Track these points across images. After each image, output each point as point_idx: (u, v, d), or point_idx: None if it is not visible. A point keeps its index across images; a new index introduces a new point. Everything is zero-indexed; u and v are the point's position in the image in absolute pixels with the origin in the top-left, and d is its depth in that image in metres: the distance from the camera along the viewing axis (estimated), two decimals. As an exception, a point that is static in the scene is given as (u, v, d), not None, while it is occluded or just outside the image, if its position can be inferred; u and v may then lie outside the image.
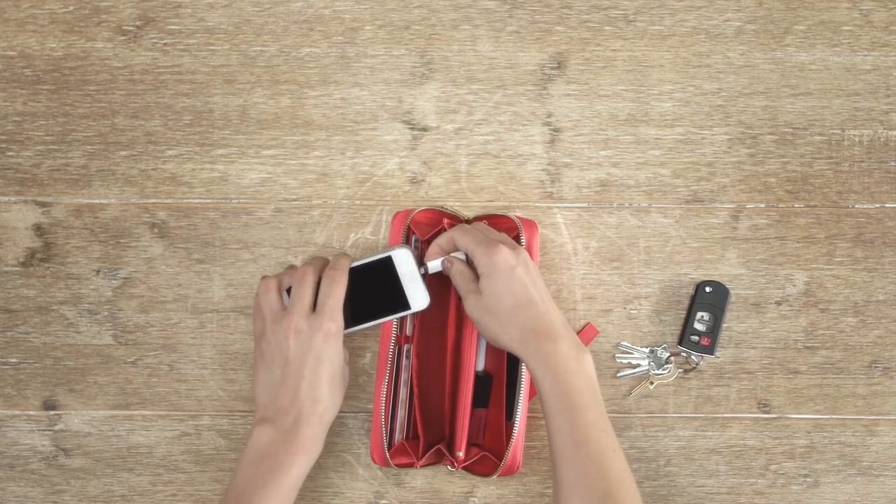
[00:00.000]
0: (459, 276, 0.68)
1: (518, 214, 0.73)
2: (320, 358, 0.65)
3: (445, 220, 0.72)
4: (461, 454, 0.70)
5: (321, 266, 0.69)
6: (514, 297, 0.65)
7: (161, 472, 0.75)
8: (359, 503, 0.75)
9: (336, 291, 0.66)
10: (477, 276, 0.67)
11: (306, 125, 0.75)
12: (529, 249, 0.71)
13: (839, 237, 0.75)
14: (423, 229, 0.72)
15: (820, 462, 0.75)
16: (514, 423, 0.70)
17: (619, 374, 0.75)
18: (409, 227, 0.71)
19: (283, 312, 0.66)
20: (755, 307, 0.75)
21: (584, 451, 0.62)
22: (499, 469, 0.70)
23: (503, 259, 0.65)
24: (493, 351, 0.73)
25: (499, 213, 0.73)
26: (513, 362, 0.72)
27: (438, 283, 0.71)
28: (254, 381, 0.67)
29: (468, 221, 0.73)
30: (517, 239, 0.70)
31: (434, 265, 0.69)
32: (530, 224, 0.72)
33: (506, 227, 0.71)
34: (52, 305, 0.75)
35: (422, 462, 0.70)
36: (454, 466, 0.70)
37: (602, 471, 0.62)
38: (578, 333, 0.74)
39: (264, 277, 0.69)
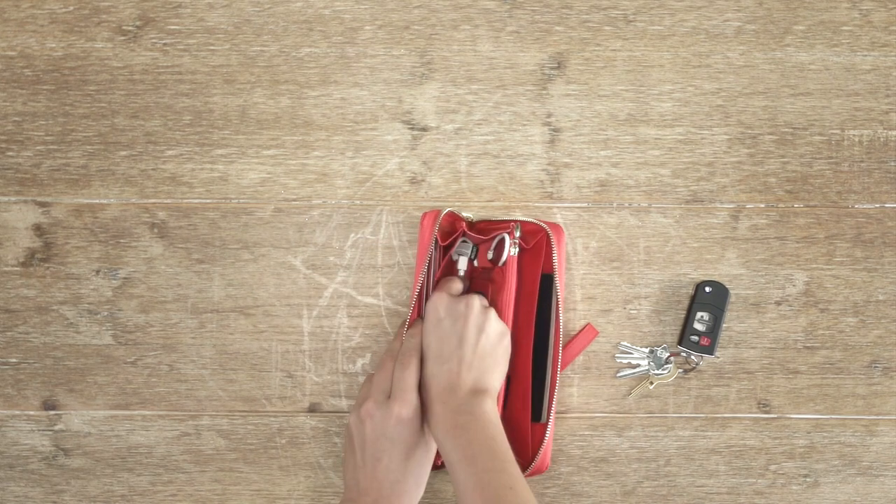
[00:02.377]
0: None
1: (545, 220, 0.73)
2: (393, 440, 0.66)
3: (463, 225, 0.72)
4: None
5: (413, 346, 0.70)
6: (430, 350, 0.67)
7: (161, 472, 0.75)
8: (359, 503, 0.75)
9: (406, 375, 0.67)
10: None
11: (306, 125, 0.75)
12: (558, 254, 0.71)
13: (839, 237, 0.75)
14: (442, 233, 0.72)
15: (820, 462, 0.75)
16: (545, 424, 0.71)
17: (618, 374, 0.75)
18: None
19: (365, 397, 0.69)
20: (755, 307, 0.75)
21: (479, 494, 0.61)
22: (529, 469, 0.71)
23: (432, 308, 0.69)
24: (514, 353, 0.73)
25: (503, 216, 0.74)
26: (537, 363, 0.72)
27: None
28: (342, 464, 0.70)
29: (472, 225, 0.73)
30: (546, 243, 0.71)
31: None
32: (556, 229, 0.72)
33: (531, 229, 0.72)
34: (52, 305, 0.75)
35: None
36: None
37: None
38: (577, 334, 0.74)
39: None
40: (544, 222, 0.72)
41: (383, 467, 0.66)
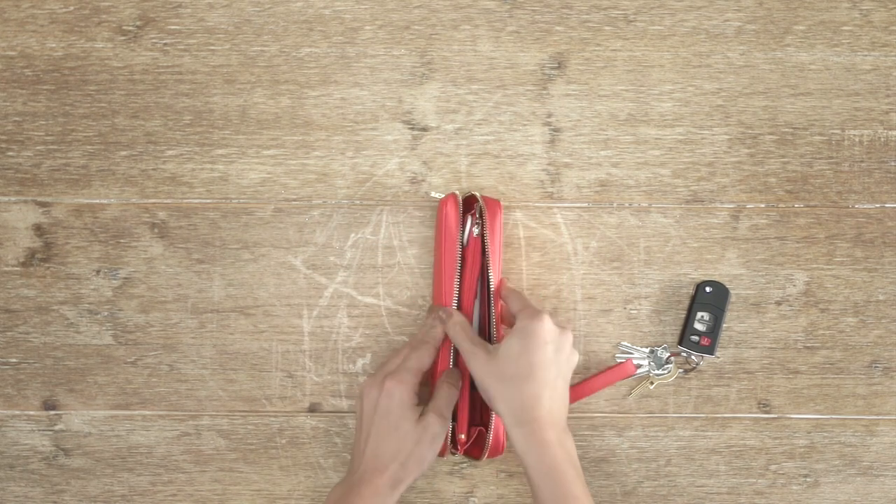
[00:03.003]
0: (460, 329, 0.69)
1: (485, 195, 0.73)
2: (379, 412, 0.66)
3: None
4: (462, 436, 0.70)
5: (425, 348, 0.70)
6: (530, 369, 0.65)
7: (161, 472, 0.75)
8: None
9: (412, 360, 0.68)
10: (481, 336, 0.69)
11: (306, 125, 0.75)
12: (492, 230, 0.71)
13: (839, 237, 0.75)
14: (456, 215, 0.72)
15: (820, 462, 0.75)
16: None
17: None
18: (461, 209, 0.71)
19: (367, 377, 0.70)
20: (755, 307, 0.75)
21: None
22: (484, 452, 0.70)
23: (541, 329, 0.66)
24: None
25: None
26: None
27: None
28: (355, 443, 0.70)
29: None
30: (481, 217, 0.71)
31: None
32: (493, 204, 0.72)
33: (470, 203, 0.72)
34: (52, 305, 0.75)
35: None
36: (457, 450, 0.70)
37: None
38: (611, 368, 0.74)
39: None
40: (482, 197, 0.71)
41: (371, 441, 0.66)
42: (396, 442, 0.66)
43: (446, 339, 0.70)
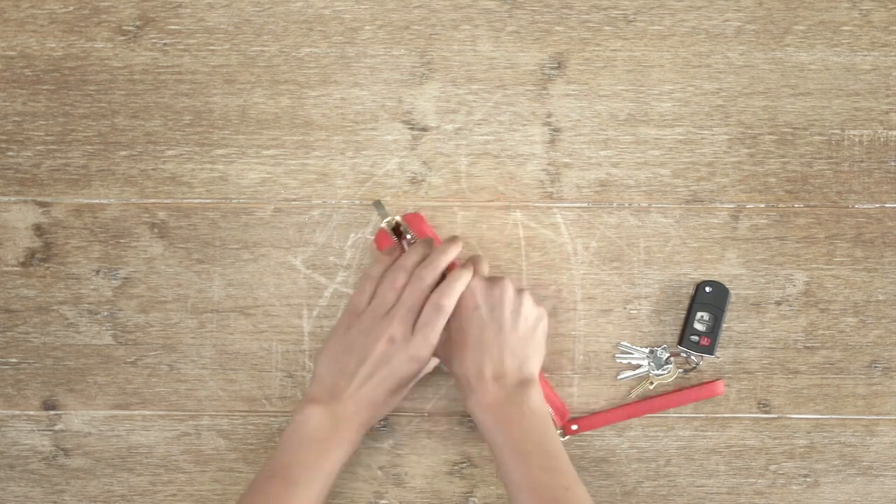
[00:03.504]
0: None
1: (410, 212, 0.74)
2: (395, 373, 0.66)
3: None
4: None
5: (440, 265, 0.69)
6: (466, 339, 0.66)
7: (161, 472, 0.75)
8: (359, 503, 0.75)
9: (437, 320, 0.66)
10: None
11: (306, 125, 0.75)
12: (424, 235, 0.71)
13: (839, 237, 0.75)
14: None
15: (820, 462, 0.75)
16: None
17: (619, 377, 0.75)
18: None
19: (390, 312, 0.67)
20: (755, 307, 0.75)
21: (535, 496, 0.61)
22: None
23: (468, 295, 0.67)
24: None
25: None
26: None
27: None
28: (324, 349, 0.68)
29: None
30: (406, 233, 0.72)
31: None
32: (414, 217, 0.73)
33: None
34: (52, 305, 0.75)
35: None
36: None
37: None
38: (702, 385, 0.74)
39: (396, 258, 0.70)
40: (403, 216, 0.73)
41: (371, 385, 0.66)
42: (393, 400, 0.68)
43: None
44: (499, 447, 0.63)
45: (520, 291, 0.69)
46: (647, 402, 0.74)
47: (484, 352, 0.65)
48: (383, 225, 0.73)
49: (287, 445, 0.64)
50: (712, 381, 0.74)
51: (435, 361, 0.71)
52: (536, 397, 0.65)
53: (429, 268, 0.68)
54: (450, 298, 0.67)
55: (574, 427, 0.73)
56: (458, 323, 0.67)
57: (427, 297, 0.67)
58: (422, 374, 0.70)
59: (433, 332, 0.66)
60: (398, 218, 0.73)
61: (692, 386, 0.74)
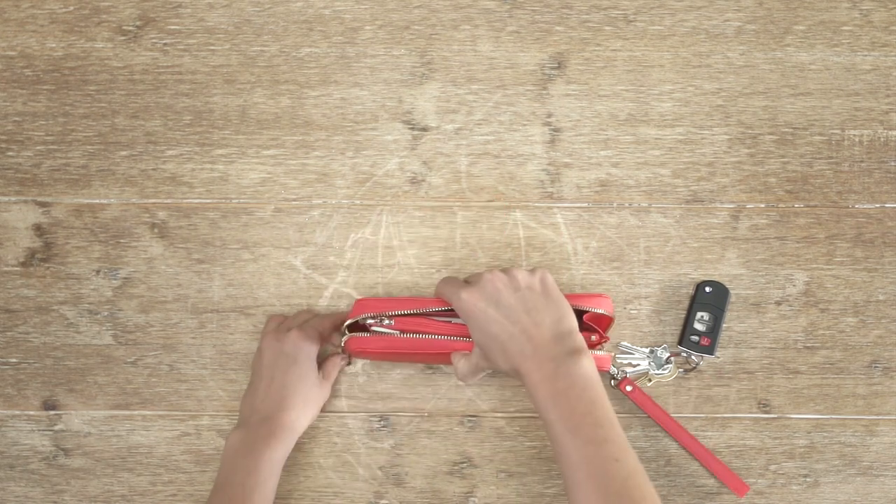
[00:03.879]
0: (454, 355, 0.70)
1: (586, 295, 0.72)
2: (288, 359, 0.70)
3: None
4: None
5: (329, 317, 0.74)
6: (492, 338, 0.66)
7: (161, 472, 0.75)
8: (359, 503, 0.75)
9: (317, 320, 0.72)
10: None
11: (306, 125, 0.75)
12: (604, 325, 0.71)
13: (839, 237, 0.75)
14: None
15: (820, 462, 0.75)
16: None
17: (618, 377, 0.74)
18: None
19: (268, 331, 0.73)
20: (755, 307, 0.75)
21: (585, 471, 0.60)
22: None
23: (466, 304, 0.66)
24: None
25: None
26: None
27: None
28: (242, 397, 0.73)
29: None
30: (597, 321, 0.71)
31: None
32: (596, 300, 0.71)
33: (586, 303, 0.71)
34: (52, 305, 0.75)
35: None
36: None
37: (610, 482, 0.60)
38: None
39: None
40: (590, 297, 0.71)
41: (276, 385, 0.70)
42: (303, 386, 0.70)
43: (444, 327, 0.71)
44: (550, 424, 0.62)
45: (506, 271, 0.68)
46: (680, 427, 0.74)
47: (512, 341, 0.65)
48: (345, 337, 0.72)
49: (219, 470, 0.68)
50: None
51: (339, 365, 0.74)
52: (587, 364, 0.64)
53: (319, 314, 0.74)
54: (330, 319, 0.73)
55: (629, 388, 0.73)
56: (477, 333, 0.66)
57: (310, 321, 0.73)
58: (329, 376, 0.73)
59: (313, 322, 0.72)
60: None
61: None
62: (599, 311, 0.70)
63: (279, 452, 0.68)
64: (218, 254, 0.75)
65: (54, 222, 0.75)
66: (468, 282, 0.68)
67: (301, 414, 0.70)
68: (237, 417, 0.72)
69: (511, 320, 0.65)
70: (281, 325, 0.73)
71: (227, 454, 0.68)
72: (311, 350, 0.71)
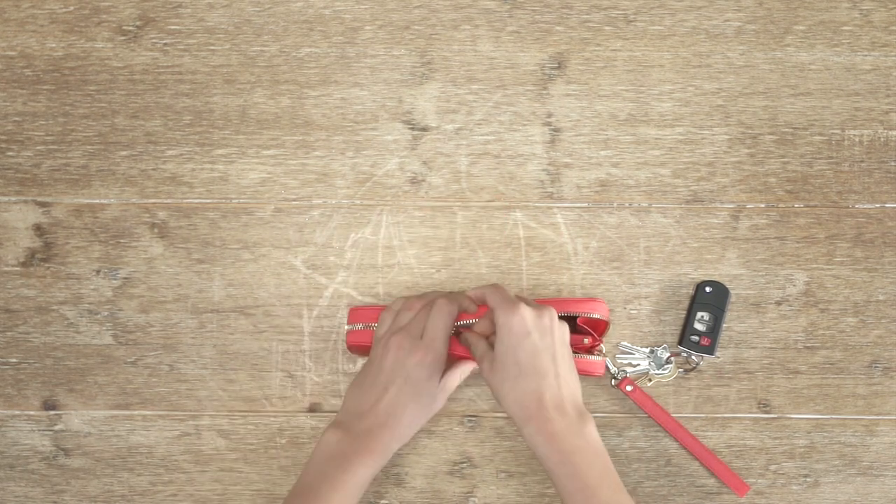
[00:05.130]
0: (472, 343, 0.68)
1: (581, 298, 0.73)
2: (408, 378, 0.66)
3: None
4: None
5: (454, 300, 0.70)
6: (520, 366, 0.64)
7: (161, 472, 0.75)
8: (359, 503, 0.75)
9: (439, 322, 0.67)
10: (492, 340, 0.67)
11: (306, 125, 0.75)
12: (600, 330, 0.71)
13: (839, 237, 0.75)
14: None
15: (820, 462, 0.75)
16: None
17: (618, 376, 0.74)
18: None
19: (400, 329, 0.68)
20: (755, 307, 0.75)
21: None
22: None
23: (518, 322, 0.65)
24: None
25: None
26: None
27: None
28: (352, 382, 0.69)
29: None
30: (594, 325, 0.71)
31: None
32: (590, 304, 0.71)
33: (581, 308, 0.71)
34: (52, 305, 0.75)
35: None
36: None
37: None
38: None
39: (413, 299, 0.70)
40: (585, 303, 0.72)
41: (389, 398, 0.66)
42: (415, 409, 0.67)
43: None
44: (563, 479, 0.62)
45: (562, 321, 0.67)
46: (681, 428, 0.74)
47: (541, 378, 0.64)
48: (347, 327, 0.73)
49: (308, 467, 0.65)
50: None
51: (465, 373, 0.71)
52: (595, 430, 0.64)
53: (447, 296, 0.69)
54: (450, 305, 0.68)
55: (629, 388, 0.73)
56: (508, 349, 0.65)
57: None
58: (449, 389, 0.70)
59: (434, 331, 0.67)
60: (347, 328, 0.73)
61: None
62: (595, 315, 0.70)
63: (371, 471, 0.65)
64: (218, 254, 0.75)
65: (54, 222, 0.75)
66: (524, 301, 0.67)
67: (406, 432, 0.67)
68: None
69: (547, 359, 0.64)
70: (413, 325, 0.68)
71: (320, 456, 0.65)
72: (434, 371, 0.67)
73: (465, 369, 0.70)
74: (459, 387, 0.74)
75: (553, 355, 0.65)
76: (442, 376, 0.68)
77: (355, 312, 0.72)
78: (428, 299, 0.70)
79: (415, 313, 0.69)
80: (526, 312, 0.65)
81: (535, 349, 0.64)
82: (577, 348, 0.71)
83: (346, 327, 0.73)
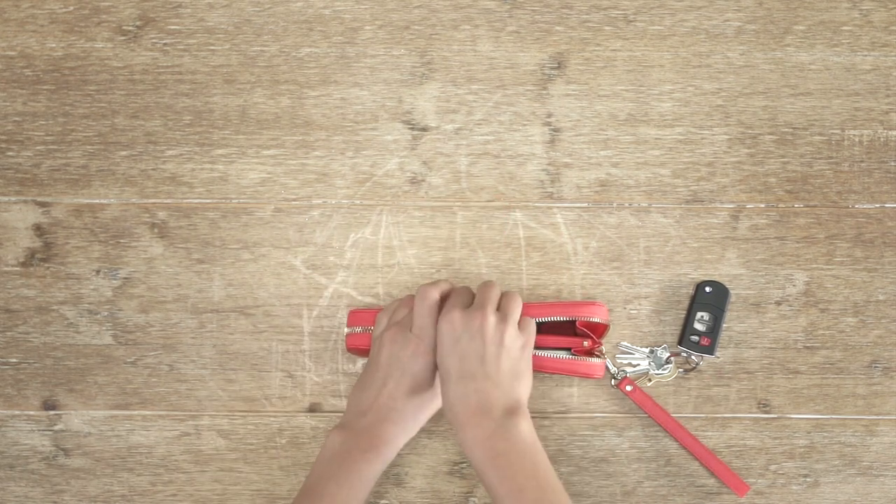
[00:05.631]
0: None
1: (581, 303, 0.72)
2: (405, 370, 0.66)
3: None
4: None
5: (436, 285, 0.69)
6: (452, 372, 0.64)
7: (161, 472, 0.75)
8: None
9: (422, 309, 0.67)
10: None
11: (306, 125, 0.75)
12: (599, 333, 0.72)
13: (839, 237, 0.75)
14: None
15: (820, 462, 0.75)
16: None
17: (618, 376, 0.74)
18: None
19: (394, 324, 0.68)
20: (755, 307, 0.75)
21: None
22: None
23: (447, 327, 0.65)
24: None
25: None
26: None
27: None
28: (351, 390, 0.70)
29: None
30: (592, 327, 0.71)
31: None
32: (590, 308, 0.71)
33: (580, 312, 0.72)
34: (52, 305, 0.75)
35: None
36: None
37: None
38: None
39: (409, 296, 0.70)
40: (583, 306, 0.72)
41: (388, 392, 0.66)
42: (416, 400, 0.67)
43: None
44: (492, 484, 0.61)
45: (503, 318, 0.66)
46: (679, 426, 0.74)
47: (468, 383, 0.64)
48: (347, 330, 0.73)
49: (313, 468, 0.66)
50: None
51: None
52: (526, 427, 0.63)
53: (436, 284, 0.69)
54: (431, 289, 0.67)
55: (629, 388, 0.73)
56: (442, 355, 0.65)
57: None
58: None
59: (422, 321, 0.67)
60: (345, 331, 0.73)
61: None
62: (594, 319, 0.70)
63: (376, 466, 0.65)
64: (218, 254, 0.75)
65: (54, 222, 0.75)
66: (472, 306, 0.67)
67: (410, 425, 0.67)
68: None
69: (475, 363, 0.64)
70: (406, 319, 0.68)
71: (324, 456, 0.65)
72: (430, 361, 0.67)
73: None
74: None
75: (482, 357, 0.64)
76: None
77: (354, 315, 0.73)
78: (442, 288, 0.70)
79: (409, 310, 0.69)
80: (455, 316, 0.65)
81: (464, 353, 0.64)
82: (577, 351, 0.71)
83: (346, 330, 0.73)
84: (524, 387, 0.66)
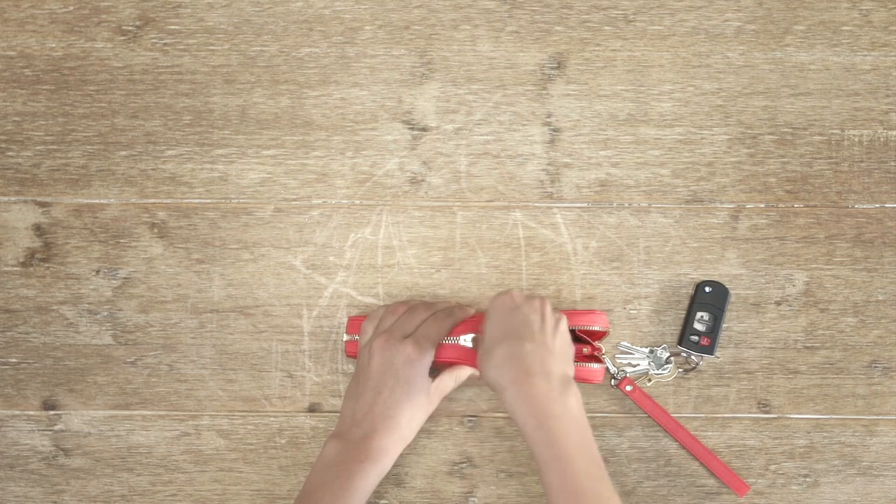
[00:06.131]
0: (473, 343, 0.70)
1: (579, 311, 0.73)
2: (398, 377, 0.67)
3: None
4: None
5: (448, 320, 0.70)
6: (505, 332, 0.65)
7: (161, 472, 0.75)
8: None
9: (433, 327, 0.68)
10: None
11: (306, 125, 0.75)
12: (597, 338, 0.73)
13: (839, 237, 0.75)
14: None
15: (820, 462, 0.75)
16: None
17: (618, 376, 0.74)
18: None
19: (383, 331, 0.69)
20: (755, 307, 0.75)
21: (577, 501, 0.59)
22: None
23: (507, 298, 0.67)
24: None
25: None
26: None
27: None
28: (343, 399, 0.70)
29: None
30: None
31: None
32: (590, 316, 0.72)
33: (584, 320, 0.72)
34: (52, 305, 0.75)
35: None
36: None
37: None
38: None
39: (396, 304, 0.71)
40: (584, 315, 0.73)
41: (382, 400, 0.66)
42: (411, 408, 0.67)
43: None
44: (539, 446, 0.61)
45: (556, 311, 0.69)
46: (684, 430, 0.74)
47: (525, 344, 0.63)
48: (346, 338, 0.73)
49: (308, 478, 0.66)
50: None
51: (461, 378, 0.71)
52: (578, 401, 0.63)
53: (427, 304, 0.70)
54: (452, 314, 0.69)
55: (629, 388, 0.73)
56: (494, 322, 0.66)
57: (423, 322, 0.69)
58: (443, 390, 0.70)
59: (427, 331, 0.68)
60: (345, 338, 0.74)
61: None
62: (594, 328, 0.71)
63: (372, 475, 0.65)
64: (218, 254, 0.75)
65: (54, 222, 0.75)
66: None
67: (406, 433, 0.67)
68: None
69: (535, 328, 0.65)
70: (395, 326, 0.69)
71: (320, 465, 0.65)
72: (423, 366, 0.67)
73: (460, 374, 0.71)
74: (459, 387, 0.74)
75: (542, 327, 0.65)
76: (436, 378, 0.69)
77: (354, 322, 0.73)
78: (410, 304, 0.71)
79: (397, 317, 0.69)
80: (516, 293, 0.67)
81: (524, 318, 0.65)
82: (578, 357, 0.71)
83: (345, 337, 0.73)
84: (571, 370, 0.67)
